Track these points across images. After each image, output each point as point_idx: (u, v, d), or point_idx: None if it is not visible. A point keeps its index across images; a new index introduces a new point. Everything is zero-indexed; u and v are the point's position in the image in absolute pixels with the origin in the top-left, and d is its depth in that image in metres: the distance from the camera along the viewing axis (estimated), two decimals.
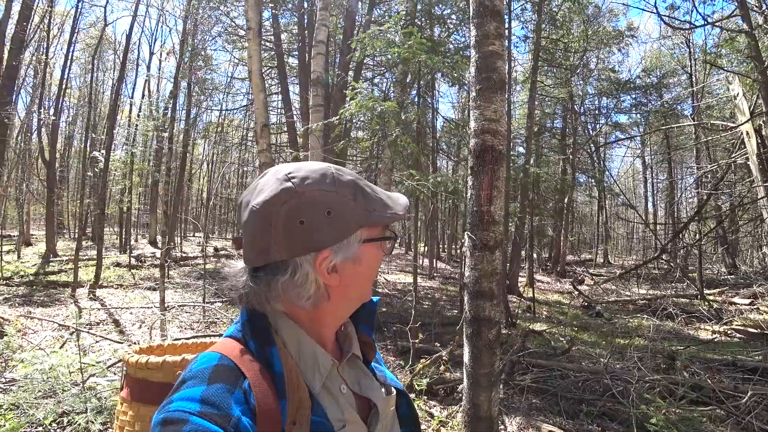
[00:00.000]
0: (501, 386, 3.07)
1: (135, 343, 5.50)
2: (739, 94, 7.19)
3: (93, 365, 2.86)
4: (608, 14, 14.91)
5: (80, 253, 9.46)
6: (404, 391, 0.78)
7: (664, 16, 7.53)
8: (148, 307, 7.34)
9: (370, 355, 0.74)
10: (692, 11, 10.19)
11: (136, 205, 19.05)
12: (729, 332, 7.43)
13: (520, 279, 12.43)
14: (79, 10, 12.88)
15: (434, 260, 15.96)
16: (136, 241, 19.45)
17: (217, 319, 6.88)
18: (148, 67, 19.19)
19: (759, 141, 6.86)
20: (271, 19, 11.73)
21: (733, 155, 8.13)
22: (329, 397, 0.63)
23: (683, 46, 15.90)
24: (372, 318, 0.75)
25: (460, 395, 3.82)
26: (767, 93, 6.50)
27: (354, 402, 0.66)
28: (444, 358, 3.85)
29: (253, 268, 0.63)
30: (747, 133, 7.04)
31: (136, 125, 16.82)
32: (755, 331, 7.33)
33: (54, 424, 2.46)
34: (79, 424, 2.35)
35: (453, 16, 8.19)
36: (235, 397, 0.53)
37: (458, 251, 21.41)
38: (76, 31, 13.96)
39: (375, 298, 0.76)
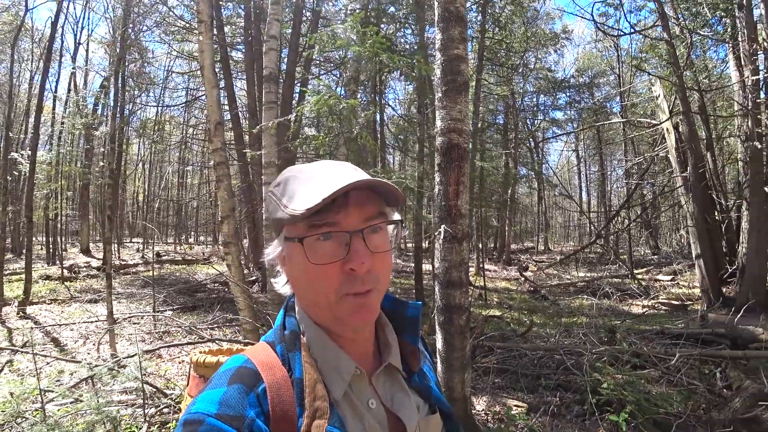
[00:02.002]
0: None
1: (82, 360, 5.13)
2: (660, 95, 8.04)
3: (49, 390, 2.66)
4: (546, 17, 15.89)
5: (2, 268, 8.56)
6: (452, 413, 0.71)
7: (599, 23, 8.21)
8: (91, 322, 6.85)
9: (413, 366, 0.68)
10: (621, 19, 11.22)
11: (65, 212, 17.47)
12: (656, 306, 8.31)
13: (469, 268, 12.98)
14: None
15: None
16: (66, 250, 17.89)
17: (172, 328, 6.57)
18: (74, 59, 17.59)
19: (677, 137, 7.71)
20: (213, 10, 11.24)
21: (656, 149, 9.07)
22: (352, 411, 0.60)
23: (612, 49, 17.36)
24: (415, 325, 0.70)
25: None
26: (684, 95, 7.31)
27: (385, 419, 0.61)
28: None
29: None
30: (667, 130, 7.88)
31: (62, 122, 15.42)
32: (677, 303, 8.27)
33: None
34: None
35: (400, 14, 8.36)
36: (249, 400, 0.54)
37: (407, 245, 21.85)
38: None
39: (416, 303, 0.71)
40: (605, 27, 9.28)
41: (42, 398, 2.46)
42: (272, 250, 0.65)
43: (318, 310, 0.62)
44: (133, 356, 2.67)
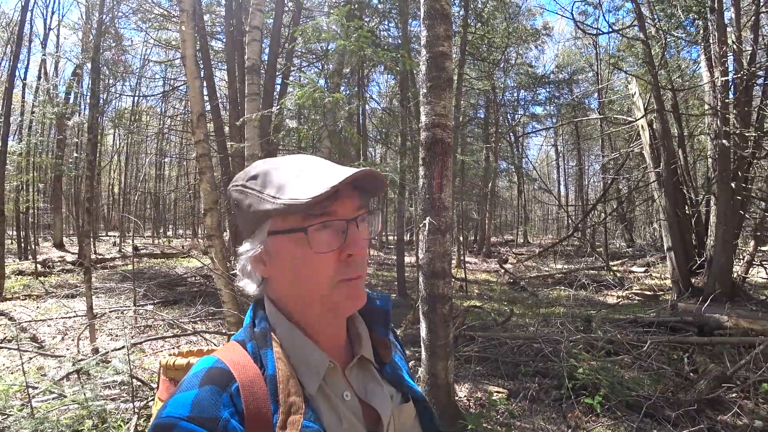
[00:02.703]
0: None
1: (64, 356, 5.04)
2: (636, 93, 8.29)
3: (34, 386, 2.62)
4: (527, 13, 16.09)
5: None
6: (424, 399, 0.73)
7: (577, 21, 8.40)
8: (70, 317, 6.70)
9: (384, 357, 0.70)
10: (599, 18, 11.50)
11: (37, 204, 16.88)
12: (630, 296, 8.64)
13: (451, 258, 13.16)
14: None
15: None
16: (38, 245, 17.31)
17: (153, 322, 6.50)
18: (44, 45, 16.90)
19: (651, 133, 7.98)
20: None
21: (631, 145, 9.36)
22: (327, 404, 0.60)
23: (591, 47, 17.72)
24: (385, 317, 0.72)
25: (413, 369, 4.10)
26: (658, 93, 7.56)
27: (359, 410, 0.63)
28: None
29: None
30: (642, 127, 8.15)
31: (32, 111, 14.84)
32: (650, 293, 8.61)
33: None
34: None
35: (384, 6, 8.35)
36: (222, 400, 0.53)
37: (388, 238, 21.96)
38: None
39: (382, 296, 0.73)
40: (584, 25, 9.50)
41: (29, 393, 2.43)
42: (248, 249, 0.63)
43: (304, 304, 0.63)
44: (120, 349, 2.66)
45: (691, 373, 4.07)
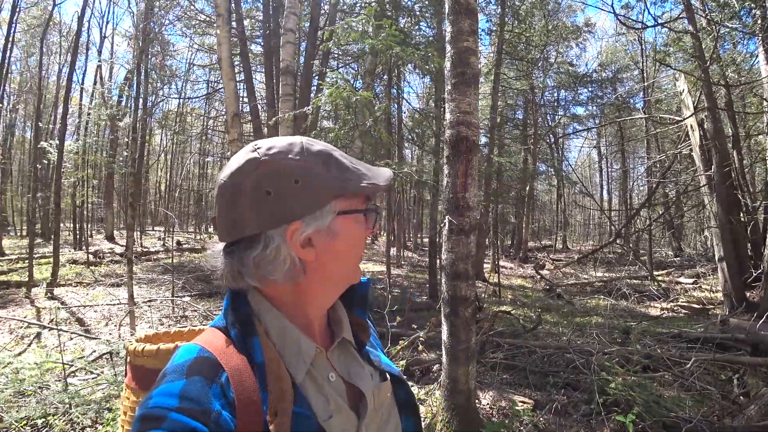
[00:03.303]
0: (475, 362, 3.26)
1: (101, 338, 5.35)
2: (684, 90, 7.76)
3: (71, 364, 2.79)
4: (567, 10, 15.52)
5: (33, 251, 8.94)
6: (401, 377, 0.75)
7: (620, 15, 7.98)
8: (113, 304, 7.11)
9: (363, 338, 0.72)
10: (644, 11, 10.86)
11: (91, 199, 18.06)
12: (675, 308, 8.10)
13: (485, 265, 12.90)
14: None
15: (401, 249, 16.21)
16: (92, 236, 18.51)
17: (188, 313, 6.77)
18: (99, 52, 18.06)
19: (701, 134, 7.45)
20: (233, 4, 11.39)
21: (679, 146, 8.78)
22: (314, 386, 0.61)
23: (636, 43, 16.83)
24: (364, 300, 0.73)
25: (436, 375, 4.02)
26: (709, 90, 7.04)
27: (344, 390, 0.64)
28: (421, 338, 4.03)
29: (227, 244, 0.61)
30: (691, 126, 7.63)
31: (89, 113, 15.89)
32: (698, 306, 8.03)
33: (40, 422, 2.41)
34: (74, 421, 2.31)
35: (416, 6, 8.29)
36: (213, 391, 0.52)
37: (423, 240, 21.83)
38: (18, 10, 12.95)
39: (364, 278, 0.73)
40: (628, 20, 9.01)
41: (65, 371, 2.58)
42: (305, 229, 0.59)
43: (335, 286, 0.66)
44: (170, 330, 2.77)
45: (741, 397, 3.73)
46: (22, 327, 5.41)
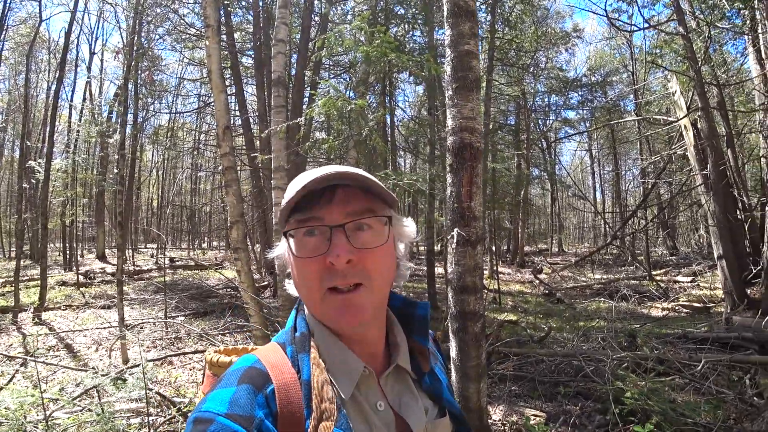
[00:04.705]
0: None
1: (89, 369, 5.14)
2: (677, 91, 7.80)
3: (56, 398, 2.62)
4: (556, 16, 15.68)
5: (19, 274, 8.67)
6: (462, 415, 0.71)
7: (611, 18, 8.03)
8: (104, 328, 6.88)
9: (423, 366, 0.68)
10: (634, 15, 11.03)
11: (81, 218, 17.76)
12: (677, 308, 8.04)
13: (483, 272, 12.79)
14: (7, 5, 11.78)
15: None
16: (82, 256, 18.17)
17: (183, 335, 6.56)
18: (89, 68, 17.93)
19: (695, 133, 7.47)
20: (223, 17, 11.35)
21: (673, 147, 8.79)
22: (359, 412, 0.60)
23: (625, 46, 17.02)
24: (424, 325, 0.70)
25: None
26: (702, 90, 7.07)
27: (393, 422, 0.61)
28: None
29: None
30: (685, 127, 7.64)
31: (78, 131, 15.69)
32: (699, 305, 7.99)
33: None
34: None
35: (408, 14, 8.29)
36: (258, 400, 0.54)
37: (419, 248, 21.72)
38: (4, 28, 12.82)
39: (424, 303, 0.71)
40: (618, 23, 9.09)
41: (45, 409, 2.41)
42: (279, 249, 0.68)
43: (313, 308, 0.63)
44: (137, 366, 2.62)
45: (755, 398, 3.64)
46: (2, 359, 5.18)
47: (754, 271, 7.18)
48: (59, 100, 9.71)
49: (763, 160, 7.54)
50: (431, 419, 0.65)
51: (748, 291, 7.28)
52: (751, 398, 3.63)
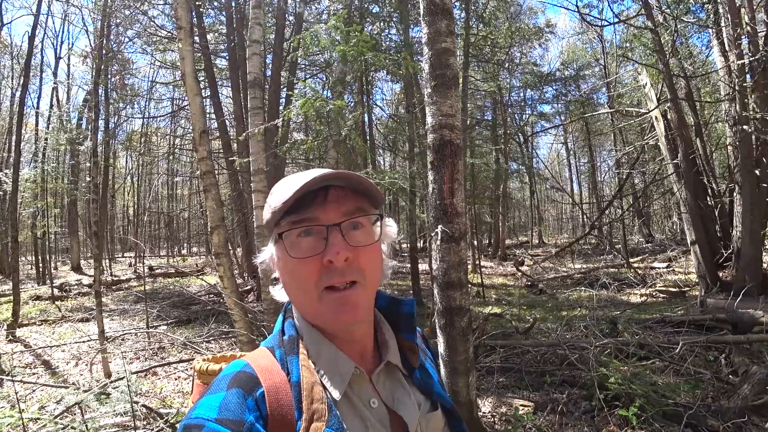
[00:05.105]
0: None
1: (74, 384, 4.98)
2: (647, 84, 8.03)
3: (37, 417, 2.53)
4: (529, 12, 15.93)
5: None
6: (453, 407, 0.72)
7: (583, 13, 8.22)
8: (83, 341, 6.67)
9: (413, 362, 0.69)
10: (604, 10, 11.31)
11: (53, 229, 17.15)
12: (654, 294, 8.30)
13: (467, 267, 12.94)
14: None
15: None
16: (56, 269, 17.55)
17: (166, 344, 6.41)
18: (55, 74, 17.32)
19: (666, 124, 7.71)
20: (196, 19, 11.11)
21: (645, 138, 9.06)
22: (352, 410, 0.60)
23: (597, 41, 17.42)
24: (410, 322, 0.71)
25: None
26: (671, 82, 7.30)
27: (387, 418, 0.62)
28: None
29: None
30: (656, 118, 7.88)
31: (46, 139, 15.14)
32: (675, 290, 8.27)
33: None
34: None
35: (384, 12, 8.28)
36: (247, 404, 0.54)
37: (401, 245, 21.78)
38: None
39: (410, 300, 0.73)
40: (589, 17, 9.32)
41: (25, 430, 2.32)
42: (265, 254, 0.67)
43: (307, 309, 0.64)
44: (121, 379, 2.55)
45: (731, 376, 3.80)
46: None
47: (725, 255, 7.46)
48: (25, 107, 9.36)
49: (729, 147, 7.83)
50: (424, 413, 0.66)
51: (721, 274, 7.57)
52: (726, 376, 3.79)
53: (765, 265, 7.01)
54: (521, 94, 17.22)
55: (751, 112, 6.50)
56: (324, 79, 12.96)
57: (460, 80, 11.24)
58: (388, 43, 8.03)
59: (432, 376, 0.72)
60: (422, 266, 10.28)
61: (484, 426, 2.95)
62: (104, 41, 6.94)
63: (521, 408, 3.33)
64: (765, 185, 6.68)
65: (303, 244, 0.61)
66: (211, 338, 6.55)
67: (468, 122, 13.08)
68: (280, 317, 0.68)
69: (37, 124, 16.94)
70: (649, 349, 4.20)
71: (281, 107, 10.10)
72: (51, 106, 17.00)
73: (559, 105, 16.48)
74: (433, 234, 2.63)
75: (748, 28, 6.51)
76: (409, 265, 10.40)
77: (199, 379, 1.12)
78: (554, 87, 15.21)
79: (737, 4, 6.72)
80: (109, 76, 12.67)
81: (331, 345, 0.62)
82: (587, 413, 3.27)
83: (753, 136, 6.57)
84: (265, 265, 0.68)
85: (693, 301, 6.98)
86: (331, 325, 0.62)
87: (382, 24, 7.65)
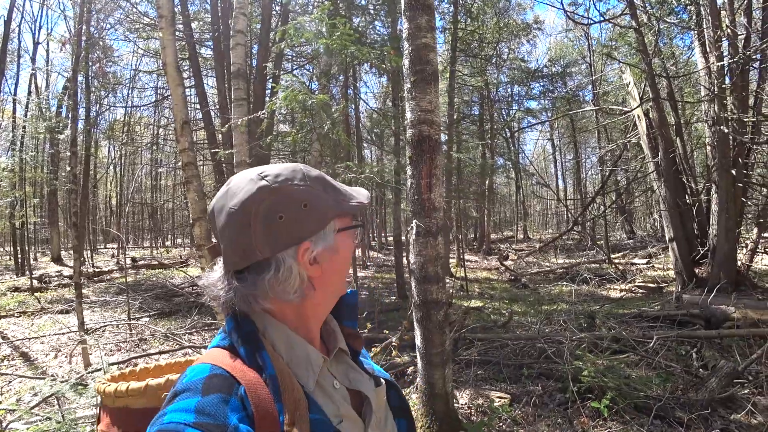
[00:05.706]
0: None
1: (52, 375, 4.90)
2: (630, 83, 8.15)
3: (13, 409, 2.49)
4: (517, 8, 15.96)
5: None
6: (393, 381, 0.78)
7: (568, 12, 8.27)
8: (62, 333, 6.57)
9: (357, 347, 0.75)
10: (590, 8, 11.42)
11: (32, 219, 16.74)
12: (633, 289, 8.49)
13: (450, 260, 13.04)
14: None
15: (366, 250, 16.14)
16: (36, 260, 17.15)
17: (148, 336, 6.35)
18: (33, 60, 16.77)
19: (648, 123, 7.84)
20: (179, 6, 10.87)
21: (628, 136, 9.21)
22: (323, 394, 0.63)
23: (583, 39, 17.55)
24: (354, 310, 0.77)
25: (411, 377, 3.96)
26: (653, 81, 7.42)
27: (348, 397, 0.67)
28: (395, 343, 3.96)
29: (237, 271, 0.63)
30: (638, 117, 8.01)
31: (24, 127, 14.71)
32: (653, 285, 8.47)
33: None
34: None
35: (370, 6, 8.21)
36: (231, 406, 0.52)
37: (387, 239, 21.82)
38: None
39: (352, 292, 0.77)
40: (575, 16, 9.38)
41: (0, 421, 2.29)
42: (317, 245, 0.64)
43: (334, 297, 0.70)
44: (99, 370, 2.52)
45: (701, 370, 3.92)
46: None
47: (702, 252, 7.66)
48: (1, 94, 9.07)
49: (708, 147, 8.01)
50: (373, 389, 0.72)
51: (697, 270, 7.78)
52: (696, 370, 3.91)
53: (739, 263, 7.22)
54: (508, 90, 17.32)
55: (729, 114, 6.66)
56: (311, 70, 12.84)
57: (448, 74, 11.27)
58: (374, 36, 7.98)
59: (367, 356, 0.80)
60: (406, 260, 10.32)
61: (460, 417, 3.00)
62: (84, 27, 6.74)
63: (497, 400, 3.40)
64: (740, 185, 6.86)
65: (356, 235, 0.71)
66: (193, 330, 6.51)
67: (455, 116, 13.13)
68: (230, 321, 0.64)
69: (14, 111, 16.42)
70: (624, 343, 4.31)
71: (267, 98, 9.99)
72: (29, 93, 16.50)
73: (546, 101, 16.65)
74: (409, 228, 2.65)
75: (729, 30, 6.64)
76: (392, 259, 10.44)
77: (107, 403, 0.85)
78: (541, 83, 15.34)
79: (718, 7, 6.85)
80: (90, 64, 12.35)
81: (302, 339, 0.64)
82: (561, 405, 3.34)
83: (730, 137, 6.73)
84: (311, 257, 0.64)
85: (669, 297, 7.15)
86: (341, 293, 0.72)
87: (368, 17, 7.59)
